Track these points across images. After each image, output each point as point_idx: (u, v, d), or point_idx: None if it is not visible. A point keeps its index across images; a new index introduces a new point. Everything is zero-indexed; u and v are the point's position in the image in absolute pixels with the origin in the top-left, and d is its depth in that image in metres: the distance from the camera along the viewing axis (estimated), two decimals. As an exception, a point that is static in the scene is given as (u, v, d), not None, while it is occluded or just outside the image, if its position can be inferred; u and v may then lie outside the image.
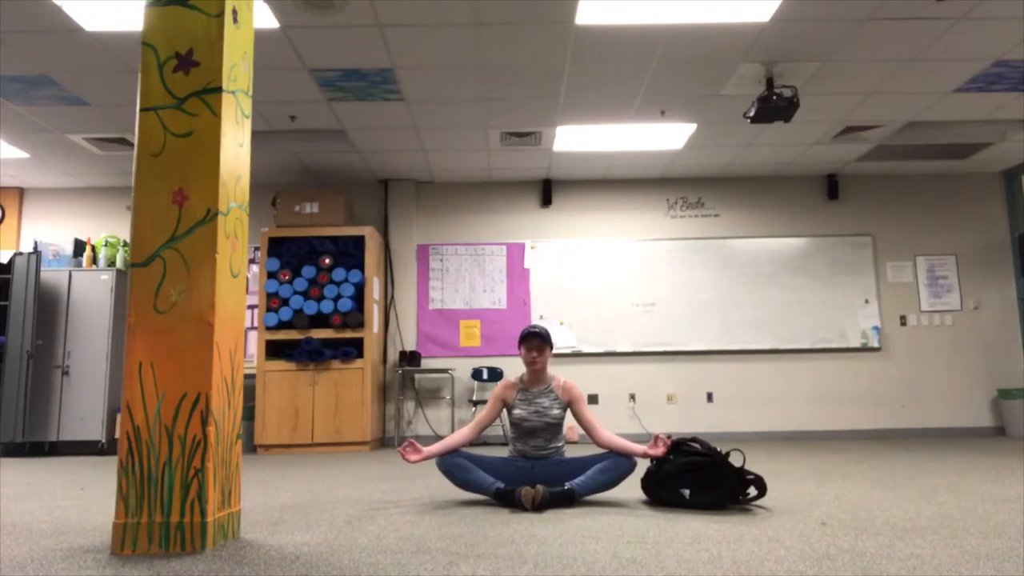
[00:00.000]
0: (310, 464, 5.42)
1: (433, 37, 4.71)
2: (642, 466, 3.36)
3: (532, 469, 3.38)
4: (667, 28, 4.65)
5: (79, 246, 7.06)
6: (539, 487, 3.10)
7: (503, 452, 3.58)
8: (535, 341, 3.45)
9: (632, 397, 7.47)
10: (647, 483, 3.29)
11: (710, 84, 5.50)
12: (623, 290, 7.63)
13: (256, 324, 7.03)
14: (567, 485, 3.22)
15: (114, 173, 7.40)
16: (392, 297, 7.64)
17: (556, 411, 3.45)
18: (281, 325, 6.80)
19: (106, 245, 7.04)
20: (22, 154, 6.74)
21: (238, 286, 2.65)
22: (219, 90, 2.54)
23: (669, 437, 3.32)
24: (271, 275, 6.87)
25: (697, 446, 3.26)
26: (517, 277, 7.70)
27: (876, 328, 7.58)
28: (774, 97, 5.31)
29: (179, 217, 2.49)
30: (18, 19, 4.39)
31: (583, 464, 3.37)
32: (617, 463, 3.30)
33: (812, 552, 2.21)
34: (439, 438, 7.38)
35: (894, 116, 6.20)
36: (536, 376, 3.51)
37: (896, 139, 6.71)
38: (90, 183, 7.72)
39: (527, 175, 7.69)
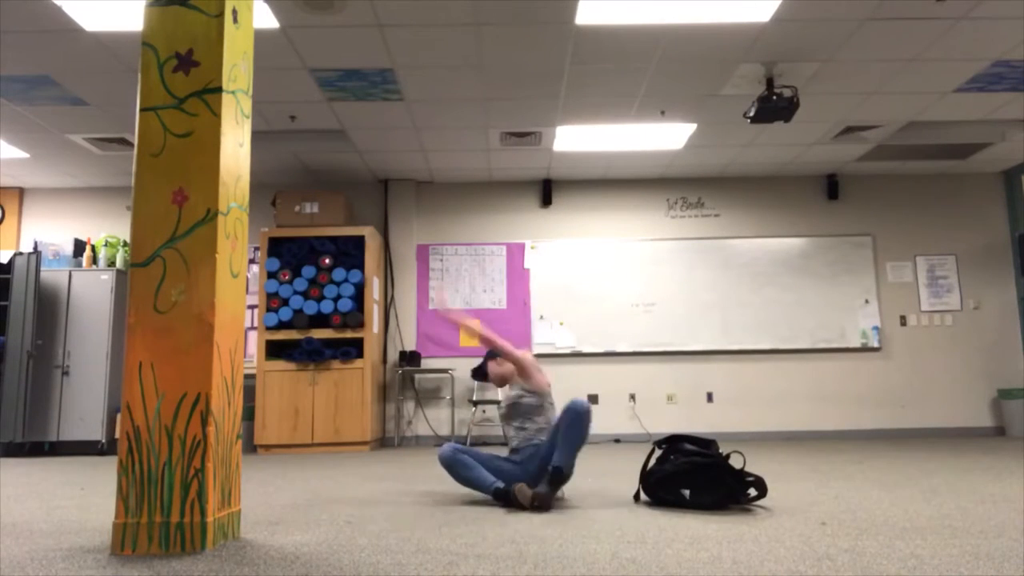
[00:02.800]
0: (310, 464, 5.42)
1: (433, 37, 4.71)
2: (640, 462, 3.36)
3: (524, 467, 3.37)
4: (667, 28, 4.65)
5: (79, 246, 7.06)
6: (535, 491, 3.09)
7: (502, 453, 3.58)
8: (480, 378, 3.72)
9: (632, 397, 7.47)
10: (647, 483, 3.28)
11: (710, 84, 5.50)
12: (623, 290, 7.63)
13: (256, 324, 7.04)
14: (551, 466, 3.19)
15: (114, 173, 7.40)
16: (392, 297, 7.64)
17: (528, 400, 3.49)
18: (281, 325, 6.80)
19: (106, 245, 7.04)
20: (22, 154, 6.74)
21: (238, 286, 2.65)
22: (219, 90, 2.54)
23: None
24: (271, 275, 6.87)
25: (691, 446, 3.26)
26: (517, 277, 7.70)
27: (876, 328, 7.58)
28: (774, 97, 5.31)
29: (179, 217, 2.49)
30: (18, 19, 4.39)
31: (554, 436, 3.35)
32: (570, 411, 3.24)
33: (812, 552, 2.21)
34: (439, 438, 7.40)
35: (894, 116, 6.20)
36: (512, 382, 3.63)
37: (896, 139, 6.71)
38: (90, 183, 7.72)
39: (527, 175, 7.69)
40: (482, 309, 7.64)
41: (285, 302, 6.83)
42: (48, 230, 7.68)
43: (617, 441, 7.28)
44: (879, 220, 7.82)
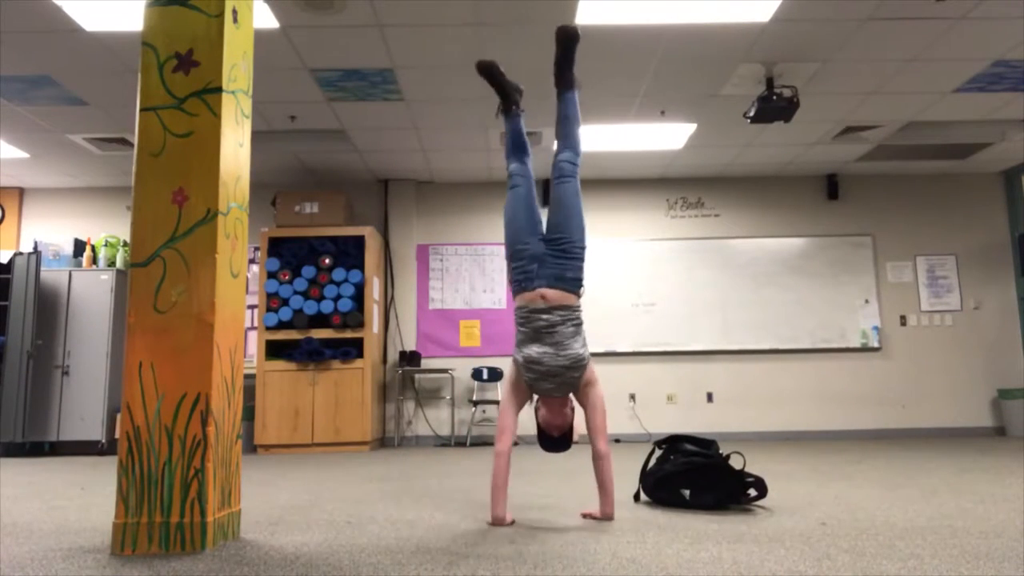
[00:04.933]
0: (310, 464, 5.41)
1: (433, 37, 4.71)
2: (640, 463, 3.35)
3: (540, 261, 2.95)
4: (667, 28, 4.65)
5: (79, 246, 7.06)
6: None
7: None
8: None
9: (632, 397, 7.47)
10: (647, 483, 3.28)
11: (710, 84, 5.50)
12: (623, 290, 7.63)
13: (256, 324, 7.04)
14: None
15: (114, 173, 7.40)
16: (392, 297, 7.64)
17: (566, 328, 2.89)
18: (281, 325, 6.80)
19: (106, 245, 7.05)
20: (22, 154, 6.74)
21: (238, 286, 2.65)
22: (219, 90, 2.54)
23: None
24: (271, 275, 6.87)
25: (692, 447, 3.26)
26: (517, 277, 7.69)
27: (876, 328, 7.58)
28: (774, 97, 5.31)
29: (179, 217, 2.49)
30: (18, 19, 4.39)
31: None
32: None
33: (812, 552, 2.21)
34: (439, 438, 7.39)
35: (894, 116, 6.20)
36: None
37: (896, 139, 6.71)
38: (90, 183, 7.72)
39: (527, 175, 7.67)
40: (482, 309, 7.64)
41: (285, 302, 6.83)
42: (48, 230, 7.68)
43: (617, 441, 7.28)
44: (879, 220, 7.82)
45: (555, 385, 2.80)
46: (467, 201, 7.86)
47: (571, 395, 2.88)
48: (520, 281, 2.92)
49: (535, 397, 2.89)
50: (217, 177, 2.51)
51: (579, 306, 2.93)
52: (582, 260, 2.99)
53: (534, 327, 2.84)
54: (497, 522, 2.71)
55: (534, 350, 2.81)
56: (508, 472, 2.75)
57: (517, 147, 3.34)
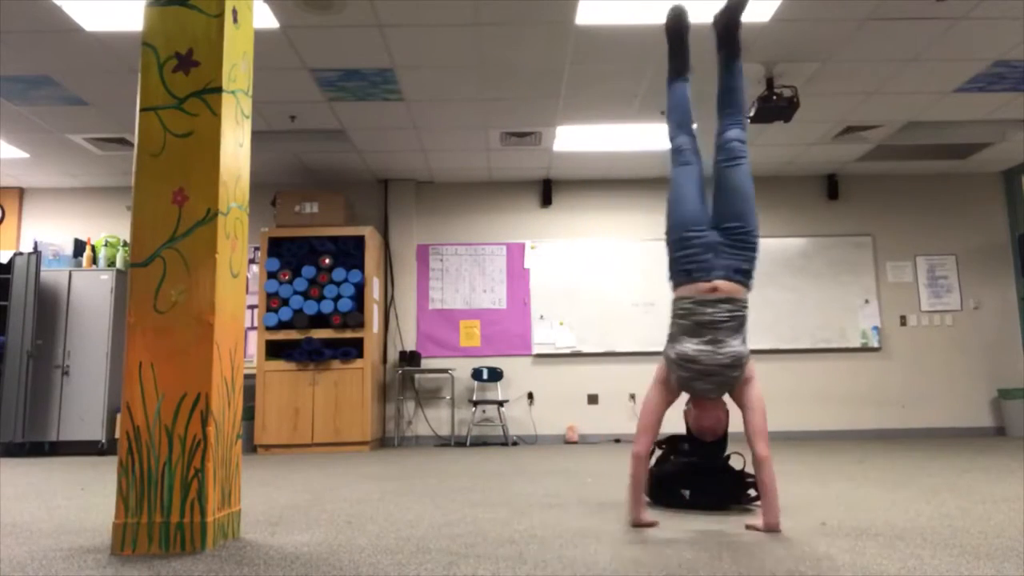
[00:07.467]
0: (310, 464, 5.41)
1: (433, 37, 4.71)
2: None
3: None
4: (667, 28, 4.64)
5: (79, 246, 7.06)
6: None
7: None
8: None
9: (632, 397, 7.47)
10: (647, 483, 3.28)
11: (710, 84, 5.49)
12: (623, 290, 7.63)
13: (256, 324, 7.04)
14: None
15: (114, 173, 7.40)
16: (392, 297, 7.64)
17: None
18: (281, 325, 6.80)
19: (106, 245, 7.05)
20: (22, 154, 6.74)
21: (238, 286, 2.65)
22: (219, 90, 2.54)
23: None
24: (271, 275, 6.87)
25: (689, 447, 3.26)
26: (517, 277, 7.70)
27: (876, 328, 7.58)
28: (774, 97, 5.31)
29: (179, 217, 2.49)
30: (18, 19, 4.39)
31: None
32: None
33: (812, 552, 2.21)
34: (439, 438, 7.40)
35: (894, 116, 6.20)
36: None
37: (896, 139, 6.71)
38: (90, 183, 7.72)
39: (527, 175, 7.69)
40: (482, 309, 7.64)
41: (285, 302, 6.83)
42: (48, 230, 7.68)
43: (617, 441, 7.27)
44: (879, 220, 7.82)
45: (713, 386, 2.60)
46: (467, 201, 7.86)
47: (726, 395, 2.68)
48: (690, 271, 2.68)
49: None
50: (217, 177, 2.51)
51: (747, 301, 2.68)
52: (757, 251, 2.75)
53: (696, 320, 2.60)
54: (639, 524, 2.62)
55: (690, 346, 2.59)
56: (645, 476, 2.62)
57: (687, 116, 3.16)
